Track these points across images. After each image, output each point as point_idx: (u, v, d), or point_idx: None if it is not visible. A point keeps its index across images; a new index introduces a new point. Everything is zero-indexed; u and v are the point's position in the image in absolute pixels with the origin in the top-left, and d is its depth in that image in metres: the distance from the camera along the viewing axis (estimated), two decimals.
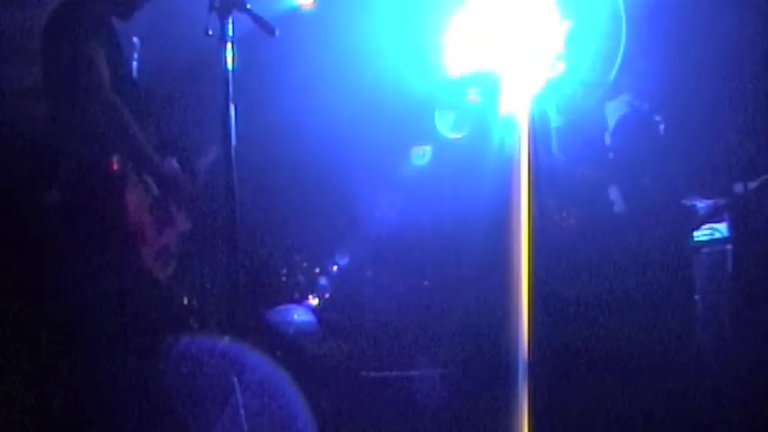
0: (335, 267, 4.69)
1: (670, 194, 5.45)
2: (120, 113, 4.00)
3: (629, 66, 5.13)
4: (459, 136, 5.32)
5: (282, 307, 4.45)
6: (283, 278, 4.92)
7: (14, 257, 4.20)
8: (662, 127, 5.50)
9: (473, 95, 5.21)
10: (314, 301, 4.39)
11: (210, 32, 3.87)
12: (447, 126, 5.35)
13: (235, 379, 3.70)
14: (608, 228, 5.23)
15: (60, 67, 4.10)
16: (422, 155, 5.45)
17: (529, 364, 4.31)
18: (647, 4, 5.10)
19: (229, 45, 3.81)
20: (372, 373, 4.73)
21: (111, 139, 4.04)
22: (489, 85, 5.04)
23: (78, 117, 4.04)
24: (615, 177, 5.34)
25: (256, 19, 3.89)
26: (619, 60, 5.04)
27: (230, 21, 3.83)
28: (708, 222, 5.64)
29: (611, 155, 5.36)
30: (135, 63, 4.42)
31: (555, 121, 5.15)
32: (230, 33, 3.83)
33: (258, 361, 3.79)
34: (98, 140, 4.03)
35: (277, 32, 3.90)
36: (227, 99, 3.81)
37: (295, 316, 4.45)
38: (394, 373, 4.78)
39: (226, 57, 3.81)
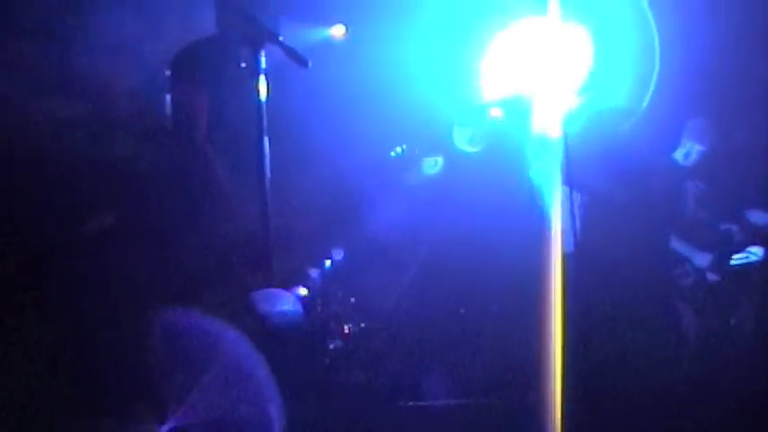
0: (329, 262, 4.60)
1: (706, 219, 5.45)
2: (210, 162, 4.27)
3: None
4: (475, 149, 5.31)
5: (270, 292, 4.37)
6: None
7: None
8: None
9: (495, 112, 5.21)
10: (303, 291, 4.29)
11: (244, 65, 3.91)
12: (464, 139, 5.34)
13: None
14: (644, 253, 5.21)
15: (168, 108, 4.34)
16: (433, 164, 5.41)
17: (563, 391, 4.27)
18: (682, 31, 5.10)
19: (262, 77, 3.85)
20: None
21: (199, 184, 4.21)
22: (514, 106, 5.05)
23: (170, 157, 4.25)
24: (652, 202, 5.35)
25: (288, 51, 3.90)
26: (652, 87, 5.03)
27: (262, 53, 3.85)
28: (745, 245, 5.62)
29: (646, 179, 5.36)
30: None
31: (592, 145, 5.15)
32: (263, 66, 3.85)
33: (235, 341, 3.83)
34: (187, 184, 4.21)
35: (310, 64, 3.90)
36: (260, 131, 3.82)
37: (281, 304, 4.36)
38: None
39: (258, 89, 3.84)
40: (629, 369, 4.76)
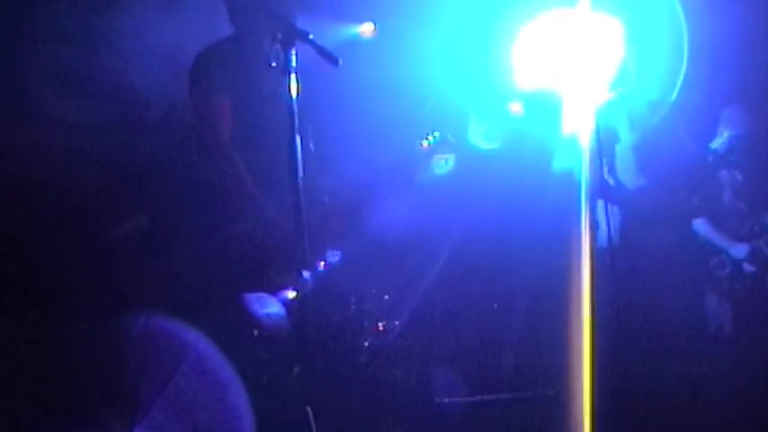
0: (322, 263, 4.60)
1: (743, 209, 5.43)
2: (233, 163, 4.39)
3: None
4: (492, 146, 5.26)
5: (257, 295, 4.39)
6: None
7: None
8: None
9: (516, 108, 5.18)
10: (291, 294, 4.30)
11: (274, 64, 3.90)
12: (479, 135, 5.30)
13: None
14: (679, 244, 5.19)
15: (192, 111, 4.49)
16: (444, 163, 5.35)
17: (593, 386, 4.26)
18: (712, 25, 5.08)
19: (293, 76, 3.84)
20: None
21: (223, 184, 4.35)
22: (538, 101, 5.03)
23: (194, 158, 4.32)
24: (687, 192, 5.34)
25: (319, 49, 3.89)
26: (681, 79, 5.01)
27: (293, 52, 3.85)
28: None
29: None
30: None
31: (628, 138, 5.13)
32: (293, 64, 3.85)
33: (204, 346, 3.87)
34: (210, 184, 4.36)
35: (340, 62, 3.89)
36: (292, 130, 3.82)
37: (267, 307, 4.37)
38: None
39: (290, 87, 3.84)
40: (661, 363, 4.74)
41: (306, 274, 3.87)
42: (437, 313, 5.18)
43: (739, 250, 5.58)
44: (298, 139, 3.83)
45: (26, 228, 4.40)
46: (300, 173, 3.84)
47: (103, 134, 4.72)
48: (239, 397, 3.89)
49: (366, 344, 4.73)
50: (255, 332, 4.30)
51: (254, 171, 4.50)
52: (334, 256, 4.61)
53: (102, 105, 4.81)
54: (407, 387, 4.69)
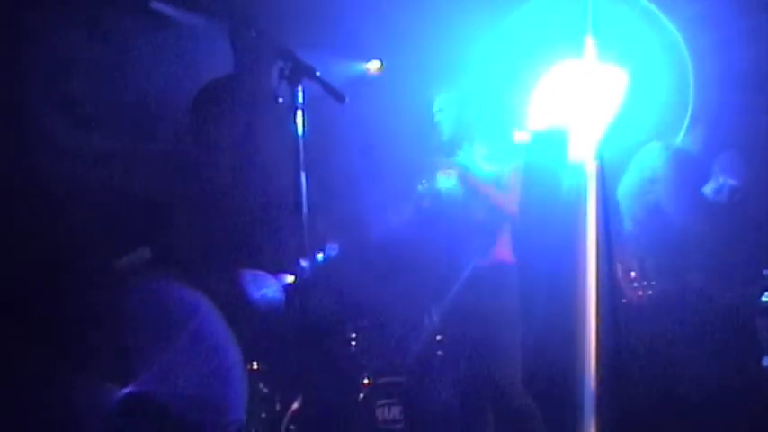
0: (321, 255, 4.58)
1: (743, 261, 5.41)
2: (233, 196, 4.44)
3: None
4: (492, 168, 5.26)
5: (257, 275, 4.40)
6: None
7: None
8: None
9: (520, 136, 5.21)
10: (289, 279, 4.31)
11: (281, 100, 3.93)
12: (480, 156, 5.31)
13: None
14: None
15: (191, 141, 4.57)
16: (447, 179, 5.35)
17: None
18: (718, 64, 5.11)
19: (300, 113, 3.86)
20: None
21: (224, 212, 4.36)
22: (545, 136, 5.06)
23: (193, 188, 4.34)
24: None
25: (326, 87, 3.91)
26: (686, 122, 5.03)
27: (300, 89, 3.87)
28: None
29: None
30: None
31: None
32: (300, 101, 3.87)
33: (209, 316, 3.87)
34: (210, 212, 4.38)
35: (347, 100, 3.91)
36: (297, 167, 3.83)
37: (265, 288, 4.38)
38: None
39: (296, 124, 3.85)
40: (669, 387, 4.74)
41: (304, 262, 3.90)
42: (436, 351, 5.17)
43: (731, 298, 5.52)
44: (303, 175, 3.86)
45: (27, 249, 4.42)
46: (305, 210, 3.86)
47: (108, 164, 4.75)
48: (235, 366, 3.88)
49: (365, 381, 4.73)
50: (255, 365, 4.32)
51: (256, 206, 4.52)
52: (332, 249, 4.64)
53: (109, 135, 4.84)
54: (405, 425, 4.69)
